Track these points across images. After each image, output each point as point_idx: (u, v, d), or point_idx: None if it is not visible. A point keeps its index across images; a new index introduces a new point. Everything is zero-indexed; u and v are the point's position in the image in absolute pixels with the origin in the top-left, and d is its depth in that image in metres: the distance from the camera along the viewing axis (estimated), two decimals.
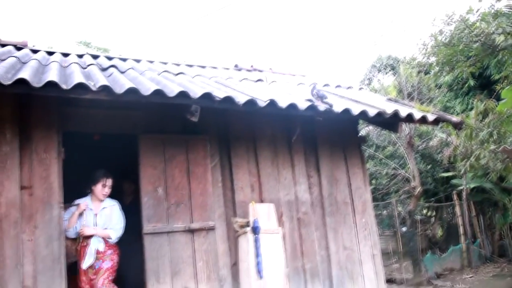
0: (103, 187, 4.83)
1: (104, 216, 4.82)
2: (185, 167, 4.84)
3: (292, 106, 4.57)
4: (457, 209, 11.33)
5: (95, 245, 4.69)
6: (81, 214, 4.73)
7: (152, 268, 4.49)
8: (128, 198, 5.82)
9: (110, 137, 5.34)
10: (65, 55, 5.59)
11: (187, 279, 4.57)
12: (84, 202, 4.77)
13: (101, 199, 4.85)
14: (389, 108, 5.25)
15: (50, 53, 5.51)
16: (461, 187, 11.45)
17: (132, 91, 3.90)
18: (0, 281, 3.87)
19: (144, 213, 4.56)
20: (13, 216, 4.01)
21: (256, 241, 4.67)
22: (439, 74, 11.72)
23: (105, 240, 4.77)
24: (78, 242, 4.69)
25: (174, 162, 4.81)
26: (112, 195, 4.99)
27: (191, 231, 4.70)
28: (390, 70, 16.03)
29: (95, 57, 5.93)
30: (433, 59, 9.56)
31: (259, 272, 4.60)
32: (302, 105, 4.66)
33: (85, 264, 4.62)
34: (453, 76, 12.11)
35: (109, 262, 4.76)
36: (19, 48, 5.40)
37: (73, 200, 4.79)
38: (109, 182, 4.87)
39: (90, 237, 4.67)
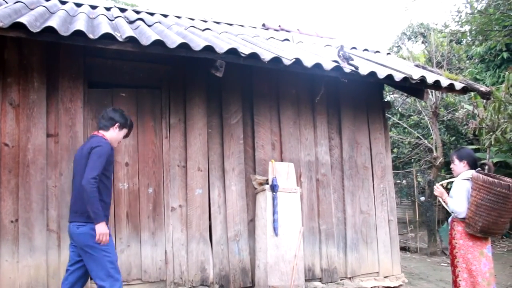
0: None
1: None
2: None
3: (317, 66, 4.52)
4: None
5: None
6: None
7: None
8: None
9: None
10: (93, 7, 5.61)
11: None
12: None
13: None
14: (416, 74, 5.15)
15: (78, 5, 5.53)
16: (484, 161, 11.27)
17: (158, 44, 3.91)
18: (27, 223, 4.05)
19: None
20: (39, 162, 4.15)
21: (274, 199, 4.73)
22: (472, 44, 11.33)
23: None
24: None
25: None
26: None
27: None
28: (420, 39, 15.51)
29: (122, 10, 5.94)
30: (466, 27, 9.24)
31: (274, 229, 4.68)
32: (328, 65, 4.61)
33: None
34: (486, 47, 11.68)
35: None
36: None
37: None
38: None
39: None
